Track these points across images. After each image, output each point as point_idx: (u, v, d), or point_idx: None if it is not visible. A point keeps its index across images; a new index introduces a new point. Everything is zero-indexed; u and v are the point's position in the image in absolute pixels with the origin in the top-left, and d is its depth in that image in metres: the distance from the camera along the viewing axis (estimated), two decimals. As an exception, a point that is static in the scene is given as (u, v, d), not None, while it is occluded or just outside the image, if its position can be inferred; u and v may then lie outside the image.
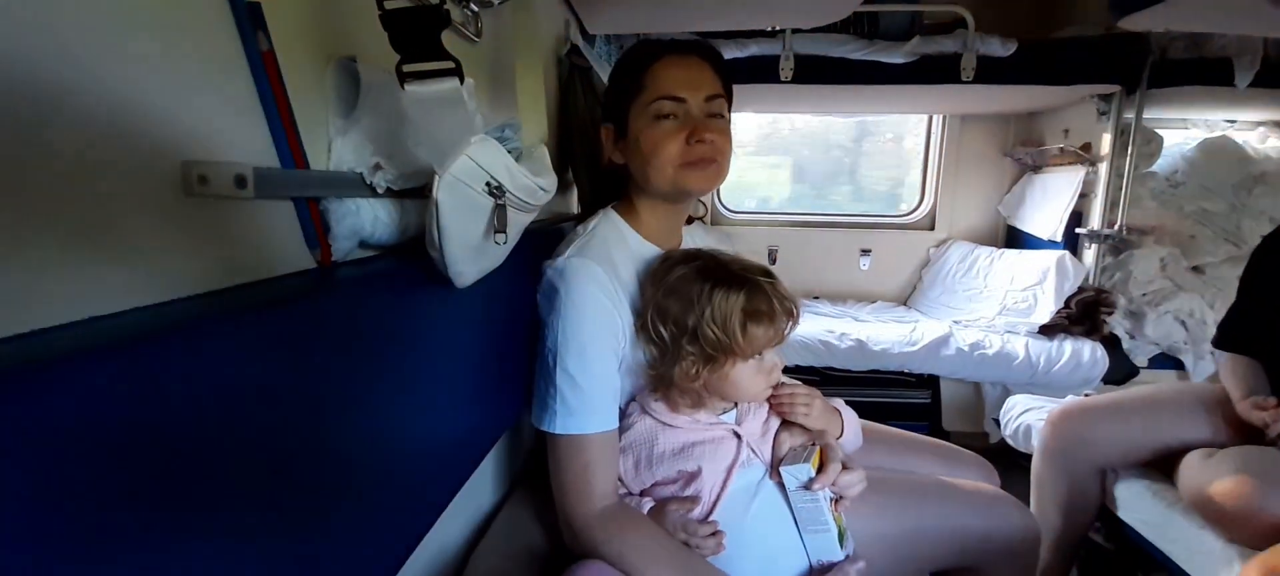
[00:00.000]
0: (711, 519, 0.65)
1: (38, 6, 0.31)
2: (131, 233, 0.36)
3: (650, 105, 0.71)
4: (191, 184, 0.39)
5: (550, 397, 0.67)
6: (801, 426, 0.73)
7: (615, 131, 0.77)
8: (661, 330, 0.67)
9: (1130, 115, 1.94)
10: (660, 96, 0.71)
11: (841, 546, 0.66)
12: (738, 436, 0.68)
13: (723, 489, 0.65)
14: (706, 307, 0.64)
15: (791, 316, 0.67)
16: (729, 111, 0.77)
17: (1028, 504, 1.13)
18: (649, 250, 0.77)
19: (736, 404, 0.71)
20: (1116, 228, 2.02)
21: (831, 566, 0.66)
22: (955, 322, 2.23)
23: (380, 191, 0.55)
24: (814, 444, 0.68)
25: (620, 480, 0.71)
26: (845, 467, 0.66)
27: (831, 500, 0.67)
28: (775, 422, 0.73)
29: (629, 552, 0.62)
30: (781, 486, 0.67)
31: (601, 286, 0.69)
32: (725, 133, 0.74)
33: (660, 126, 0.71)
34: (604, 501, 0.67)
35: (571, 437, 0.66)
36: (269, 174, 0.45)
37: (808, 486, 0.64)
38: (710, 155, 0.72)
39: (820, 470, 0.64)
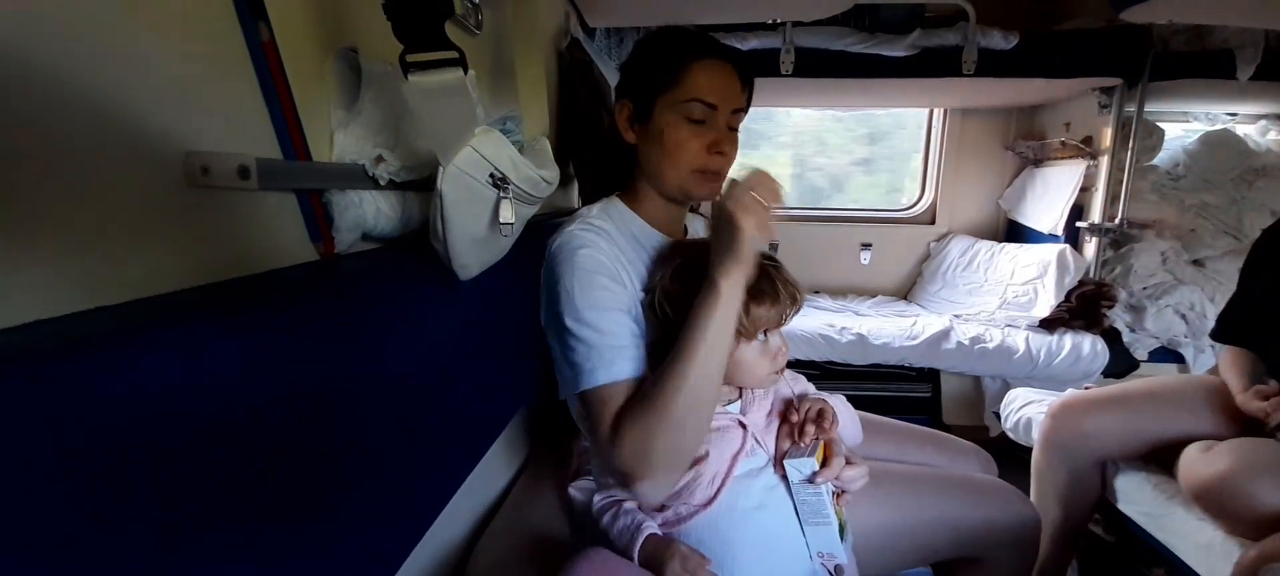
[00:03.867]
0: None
1: (39, -5, 0.31)
2: (133, 224, 0.36)
3: (682, 104, 0.71)
4: (194, 175, 0.39)
5: (572, 357, 0.65)
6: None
7: (633, 111, 0.77)
8: (668, 310, 0.67)
9: (1131, 108, 1.93)
10: (695, 99, 0.71)
11: (842, 540, 0.67)
12: (743, 426, 0.68)
13: (727, 476, 0.65)
14: None
15: (794, 300, 0.68)
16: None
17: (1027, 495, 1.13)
18: (654, 236, 0.77)
19: (741, 393, 0.72)
20: (1117, 221, 2.02)
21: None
22: (955, 317, 2.23)
23: (383, 183, 0.55)
24: (818, 438, 0.68)
25: None
26: (849, 462, 0.66)
27: (834, 494, 0.67)
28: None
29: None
30: (784, 478, 0.67)
31: (604, 252, 0.69)
32: (737, 145, 0.76)
33: (687, 128, 0.72)
34: None
35: (598, 389, 0.63)
36: (272, 165, 0.45)
37: (811, 479, 0.65)
38: (721, 168, 0.74)
39: (824, 464, 0.65)
